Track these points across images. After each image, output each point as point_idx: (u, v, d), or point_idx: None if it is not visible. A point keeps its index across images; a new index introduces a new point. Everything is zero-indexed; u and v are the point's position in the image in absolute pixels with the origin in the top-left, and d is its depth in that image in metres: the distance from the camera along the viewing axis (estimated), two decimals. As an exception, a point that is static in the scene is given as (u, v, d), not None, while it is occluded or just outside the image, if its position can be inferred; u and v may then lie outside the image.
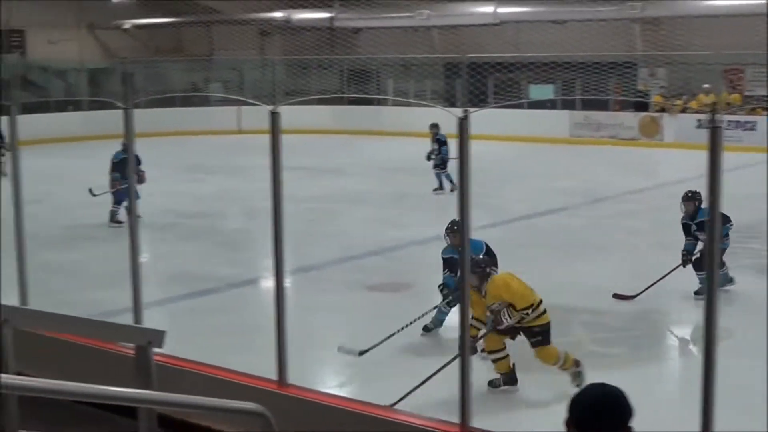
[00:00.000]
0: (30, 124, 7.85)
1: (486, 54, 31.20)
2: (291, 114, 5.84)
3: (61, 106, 31.88)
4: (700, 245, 10.91)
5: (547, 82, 31.81)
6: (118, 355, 6.34)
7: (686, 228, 11.20)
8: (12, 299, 7.01)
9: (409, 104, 31.88)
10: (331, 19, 34.78)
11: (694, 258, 10.90)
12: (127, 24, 35.87)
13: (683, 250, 10.99)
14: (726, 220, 10.11)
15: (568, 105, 30.00)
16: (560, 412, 3.04)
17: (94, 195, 15.57)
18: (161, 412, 4.69)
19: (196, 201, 18.44)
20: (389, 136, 30.11)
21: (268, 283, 9.64)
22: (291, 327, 6.10)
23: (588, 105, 30.05)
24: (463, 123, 5.02)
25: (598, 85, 28.46)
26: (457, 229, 8.19)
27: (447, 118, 5.55)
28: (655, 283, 10.97)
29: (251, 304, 10.99)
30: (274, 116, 5.79)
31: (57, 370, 4.20)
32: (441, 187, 19.10)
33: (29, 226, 7.63)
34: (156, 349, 4.71)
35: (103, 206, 15.42)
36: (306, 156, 21.87)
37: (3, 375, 3.74)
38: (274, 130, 5.83)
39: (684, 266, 10.87)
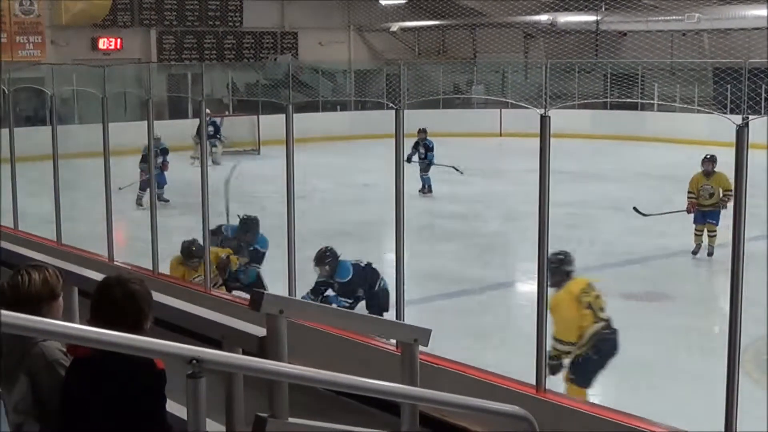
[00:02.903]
0: (300, 122, 8.11)
1: (759, 59, 30.04)
2: (554, 117, 5.80)
3: (330, 106, 32.94)
4: None
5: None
6: (380, 350, 6.51)
7: None
8: (281, 292, 7.31)
9: (681, 110, 31.04)
10: (597, 22, 34.35)
11: None
12: (394, 26, 36.58)
13: None
14: None
15: None
16: None
17: (120, 189, 15.08)
18: (422, 410, 4.77)
19: (456, 202, 18.62)
20: (653, 141, 29.45)
21: (525, 287, 9.64)
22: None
23: None
24: (742, 131, 4.86)
25: None
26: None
27: (718, 126, 5.39)
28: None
29: (506, 307, 11.02)
30: (544, 120, 5.79)
31: (323, 362, 4.34)
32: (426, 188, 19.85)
33: (297, 222, 7.90)
34: (420, 347, 4.80)
35: (369, 203, 15.77)
36: (567, 160, 21.62)
37: (277, 363, 3.93)
38: (544, 133, 5.83)
39: None
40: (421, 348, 4.79)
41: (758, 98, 26.36)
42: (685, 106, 30.64)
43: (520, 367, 6.12)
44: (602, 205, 17.62)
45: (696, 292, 12.32)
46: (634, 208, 14.61)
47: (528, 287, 8.49)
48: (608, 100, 32.52)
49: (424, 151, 20.15)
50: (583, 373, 7.57)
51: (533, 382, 5.96)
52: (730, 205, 11.55)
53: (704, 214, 13.66)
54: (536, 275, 6.13)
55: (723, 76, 31.33)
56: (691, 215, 13.78)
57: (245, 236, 10.78)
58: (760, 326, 9.56)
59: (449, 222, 16.75)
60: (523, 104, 7.39)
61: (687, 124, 28.42)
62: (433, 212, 17.30)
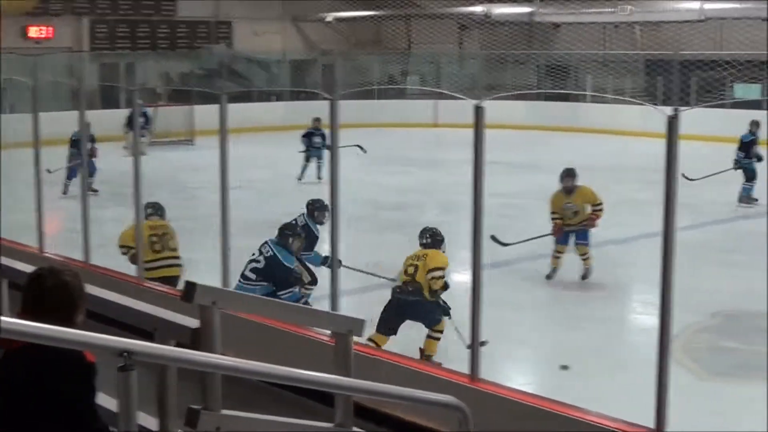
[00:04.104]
0: (235, 112, 8.04)
1: (688, 51, 30.42)
2: (487, 109, 5.82)
3: (264, 97, 32.80)
4: None
5: (754, 81, 30.75)
6: (315, 341, 6.49)
7: None
8: (215, 283, 7.25)
9: (614, 101, 31.35)
10: (531, 14, 34.56)
11: None
12: (330, 17, 36.51)
13: None
14: None
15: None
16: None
17: (50, 172, 14.43)
18: (357, 401, 4.77)
19: (394, 193, 18.65)
20: (586, 132, 29.72)
21: (461, 277, 9.66)
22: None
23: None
24: (672, 122, 4.91)
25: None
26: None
27: (649, 117, 5.44)
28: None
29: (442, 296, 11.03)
30: (478, 110, 5.80)
31: (257, 353, 4.32)
32: (319, 177, 20.02)
33: (232, 212, 7.85)
34: (354, 338, 4.80)
35: (304, 194, 15.74)
36: (501, 151, 21.70)
37: (210, 355, 3.90)
38: (478, 124, 5.84)
39: None
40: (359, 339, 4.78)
41: (688, 89, 26.75)
42: (617, 97, 30.94)
43: (457, 355, 6.13)
44: (537, 196, 17.66)
45: (627, 282, 12.46)
46: (492, 237, 12.07)
47: (464, 276, 8.52)
48: (542, 91, 32.79)
49: (321, 139, 20.39)
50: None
51: (468, 371, 5.98)
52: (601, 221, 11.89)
53: (570, 234, 12.38)
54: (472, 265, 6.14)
55: (654, 67, 31.77)
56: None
57: None
58: (691, 315, 9.71)
59: (386, 212, 16.76)
60: (457, 95, 7.40)
61: (619, 115, 28.70)
62: (370, 202, 17.30)
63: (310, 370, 3.76)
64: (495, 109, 6.46)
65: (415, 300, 9.11)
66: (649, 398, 5.18)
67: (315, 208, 10.90)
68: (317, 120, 20.66)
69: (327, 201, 7.04)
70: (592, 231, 12.22)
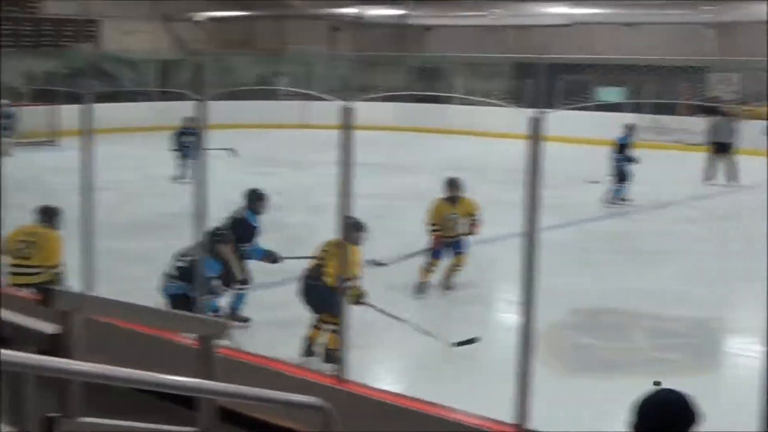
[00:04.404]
0: (101, 112, 7.90)
1: (555, 55, 31.03)
2: (359, 110, 5.84)
3: (132, 97, 32.26)
4: None
5: (617, 84, 31.56)
6: (180, 345, 6.42)
7: None
8: (79, 287, 7.12)
9: (477, 103, 31.77)
10: (403, 16, 34.80)
11: None
12: (200, 16, 36.15)
13: None
14: None
15: (637, 108, 29.70)
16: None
17: None
18: (221, 404, 4.73)
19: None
20: (456, 134, 30.06)
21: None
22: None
23: (657, 109, 29.72)
24: (536, 123, 4.99)
25: (667, 89, 28.20)
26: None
27: (515, 118, 5.53)
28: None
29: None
30: (347, 111, 5.81)
31: (120, 358, 4.24)
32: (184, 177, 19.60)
33: (97, 214, 7.70)
34: (218, 341, 4.77)
35: (172, 196, 15.59)
36: (372, 152, 21.79)
37: (67, 360, 3.82)
38: (347, 125, 5.85)
39: None
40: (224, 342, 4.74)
41: (555, 92, 27.38)
42: (483, 99, 31.40)
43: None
44: (406, 197, 17.84)
45: (494, 281, 12.63)
46: (370, 261, 11.23)
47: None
48: (413, 92, 33.01)
49: (194, 139, 20.19)
50: None
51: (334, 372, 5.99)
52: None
53: (449, 245, 11.89)
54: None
55: (523, 71, 32.34)
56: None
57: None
58: (554, 313, 9.91)
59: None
60: (325, 96, 7.42)
61: (488, 117, 29.09)
62: (236, 204, 17.16)
63: (178, 374, 3.71)
64: (365, 110, 6.49)
65: (324, 288, 9.02)
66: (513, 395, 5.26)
67: (254, 198, 10.68)
68: (190, 119, 20.41)
69: (191, 203, 6.95)
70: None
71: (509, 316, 9.46)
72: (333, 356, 8.94)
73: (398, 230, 14.90)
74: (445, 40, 35.18)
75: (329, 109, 6.18)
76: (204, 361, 4.61)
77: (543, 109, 5.09)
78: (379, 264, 11.70)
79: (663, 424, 2.96)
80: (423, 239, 12.35)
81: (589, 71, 30.94)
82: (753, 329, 9.77)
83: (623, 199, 18.15)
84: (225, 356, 5.26)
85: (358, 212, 6.23)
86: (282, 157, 24.19)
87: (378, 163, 21.45)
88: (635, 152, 18.47)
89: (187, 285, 9.04)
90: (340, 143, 5.92)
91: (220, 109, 8.09)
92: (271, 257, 10.54)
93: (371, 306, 9.21)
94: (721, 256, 13.61)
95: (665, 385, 3.27)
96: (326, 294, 8.92)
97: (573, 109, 25.26)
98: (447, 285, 11.76)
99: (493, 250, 13.47)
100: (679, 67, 28.72)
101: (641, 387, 3.22)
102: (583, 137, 28.05)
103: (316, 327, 9.22)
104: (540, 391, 5.55)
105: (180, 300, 8.93)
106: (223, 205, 13.59)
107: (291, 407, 4.51)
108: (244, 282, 10.22)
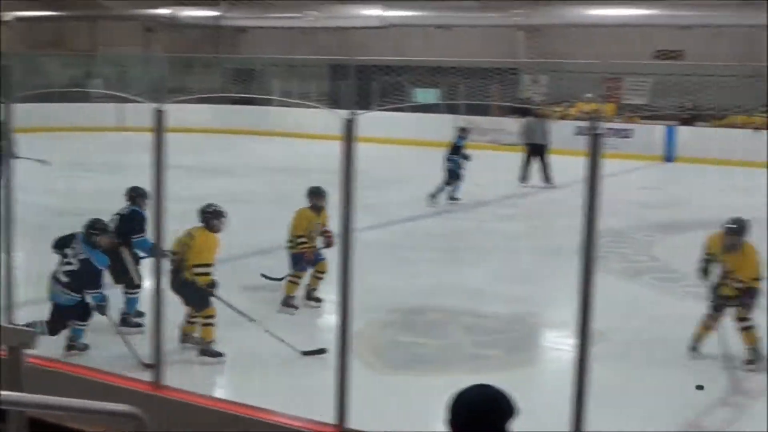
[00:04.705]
0: None
1: (371, 57, 31.29)
2: (174, 112, 5.74)
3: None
4: None
5: (432, 86, 32.05)
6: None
7: None
8: None
9: (293, 105, 31.78)
10: (218, 17, 34.53)
11: None
12: (7, 16, 34.93)
13: None
14: None
15: (452, 109, 30.22)
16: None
17: None
18: (32, 416, 4.57)
19: (73, 199, 18.04)
20: (274, 136, 29.98)
21: (146, 283, 9.50)
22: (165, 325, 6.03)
23: (471, 110, 30.30)
24: (349, 125, 5.01)
25: (481, 90, 28.79)
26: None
27: (332, 120, 5.54)
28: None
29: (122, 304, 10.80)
30: (159, 114, 5.71)
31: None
32: None
33: None
34: (28, 350, 4.61)
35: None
36: (189, 155, 21.62)
37: None
38: (159, 128, 5.75)
39: None
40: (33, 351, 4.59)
41: (371, 94, 27.49)
42: (298, 101, 31.43)
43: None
44: (223, 199, 17.61)
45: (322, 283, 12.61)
46: (263, 275, 11.68)
47: (148, 283, 8.43)
48: (229, 95, 32.77)
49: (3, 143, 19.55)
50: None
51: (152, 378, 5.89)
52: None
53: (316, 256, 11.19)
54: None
55: (339, 72, 32.49)
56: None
57: None
58: (372, 312, 10.00)
59: (66, 218, 16.18)
60: (136, 99, 7.28)
61: (305, 118, 29.12)
62: (51, 209, 16.68)
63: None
64: (180, 112, 6.40)
65: (185, 282, 8.94)
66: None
67: (137, 196, 10.20)
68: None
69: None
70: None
71: (331, 317, 9.50)
72: (208, 350, 8.84)
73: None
74: (260, 41, 35.08)
75: (145, 112, 6.05)
76: (12, 372, 4.45)
77: (356, 111, 5.12)
78: (272, 279, 11.49)
79: (476, 419, 3.00)
80: (241, 238, 12.24)
81: (404, 73, 31.31)
82: (566, 323, 10.09)
83: (455, 198, 18.43)
84: (35, 366, 5.10)
85: (174, 215, 6.10)
86: (97, 161, 23.60)
87: (195, 165, 21.20)
88: (468, 153, 18.78)
89: (77, 296, 8.74)
90: (153, 146, 5.82)
91: (31, 112, 7.86)
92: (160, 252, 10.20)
93: (220, 299, 9.10)
94: (535, 253, 13.97)
95: (483, 380, 3.31)
96: (188, 288, 8.92)
97: (388, 110, 25.51)
98: (314, 297, 11.06)
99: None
100: (492, 69, 29.37)
101: (460, 383, 3.26)
102: (400, 138, 28.40)
103: (189, 321, 9.15)
104: (361, 390, 5.58)
105: (72, 310, 8.71)
106: (37, 211, 13.25)
107: (103, 416, 4.39)
108: (137, 286, 9.90)
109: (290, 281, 10.99)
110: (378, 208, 16.54)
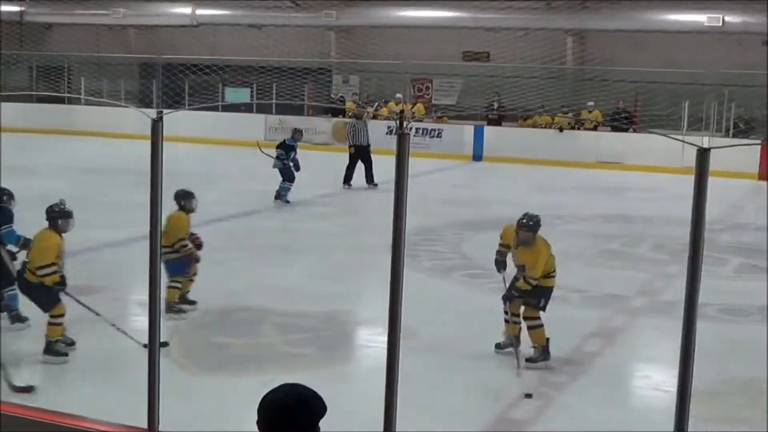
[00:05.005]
0: None
1: (182, 55, 30.96)
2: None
3: None
4: None
5: (244, 85, 31.96)
6: None
7: None
8: None
9: (102, 104, 31.15)
10: (22, 13, 33.56)
11: None
12: None
13: None
14: None
15: (264, 109, 30.19)
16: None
17: None
18: None
19: None
20: (82, 135, 29.31)
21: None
22: None
23: (283, 110, 30.35)
24: (156, 124, 4.96)
25: (293, 89, 28.87)
26: None
27: (141, 119, 5.48)
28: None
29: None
30: (-46, 114, 5.54)
31: None
32: None
33: None
34: None
35: None
36: (-7, 155, 20.90)
37: None
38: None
39: None
40: None
41: (182, 93, 27.16)
42: (102, 100, 30.84)
43: None
44: (30, 200, 17.16)
45: (133, 283, 12.43)
46: None
47: None
48: (35, 93, 31.89)
49: None
50: None
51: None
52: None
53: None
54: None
55: (150, 71, 32.03)
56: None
57: None
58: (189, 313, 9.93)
59: None
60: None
61: (115, 118, 28.59)
62: None
63: None
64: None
65: (29, 284, 8.95)
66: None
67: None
68: None
69: None
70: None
71: (142, 320, 9.38)
72: (52, 350, 8.83)
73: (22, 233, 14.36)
74: (66, 38, 34.23)
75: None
76: None
77: (163, 110, 5.08)
78: None
79: (285, 419, 3.03)
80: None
81: (216, 72, 31.11)
82: (378, 320, 10.26)
83: (288, 201, 18.36)
84: None
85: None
86: None
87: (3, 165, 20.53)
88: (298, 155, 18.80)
89: None
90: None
91: None
92: (26, 244, 9.82)
93: (69, 295, 8.97)
94: (348, 251, 14.11)
95: (297, 379, 3.35)
96: (35, 290, 8.91)
97: (197, 109, 25.29)
98: (190, 301, 10.78)
99: (125, 252, 13.31)
100: (304, 69, 29.48)
101: (274, 383, 3.29)
102: (210, 137, 28.21)
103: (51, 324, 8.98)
104: (173, 393, 5.54)
105: None
106: None
107: None
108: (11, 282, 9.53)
109: (172, 287, 10.50)
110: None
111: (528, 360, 8.96)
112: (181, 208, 10.57)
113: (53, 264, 8.80)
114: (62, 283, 8.86)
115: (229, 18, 31.95)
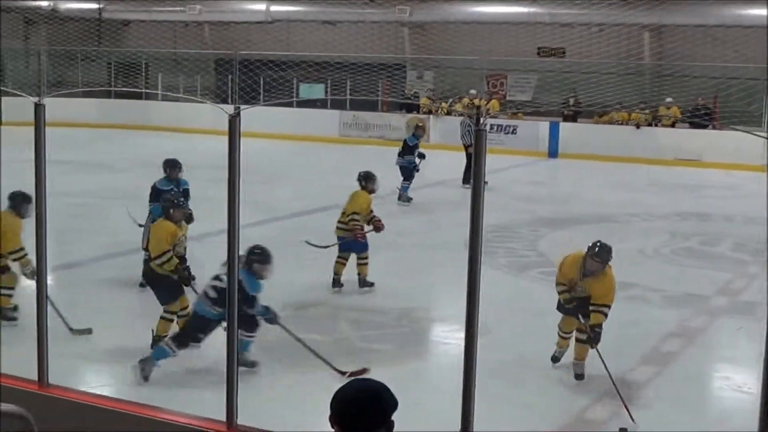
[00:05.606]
0: None
1: (257, 51, 31.16)
2: (56, 106, 5.65)
3: None
4: None
5: (318, 81, 32.05)
6: None
7: None
8: None
9: (179, 100, 31.45)
10: (100, 10, 34.00)
11: None
12: None
13: None
14: None
15: (338, 105, 30.28)
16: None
17: None
18: None
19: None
20: (159, 131, 29.62)
21: (28, 281, 9.31)
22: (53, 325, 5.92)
23: (357, 105, 30.41)
24: (234, 120, 4.98)
25: (367, 85, 28.89)
26: None
27: (217, 115, 5.50)
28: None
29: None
30: (39, 108, 5.59)
31: None
32: None
33: None
34: None
35: None
36: (72, 150, 21.24)
37: None
38: (38, 122, 5.63)
39: None
40: None
41: (258, 89, 27.23)
42: (181, 96, 31.10)
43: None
44: (108, 195, 17.41)
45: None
46: (307, 242, 12.13)
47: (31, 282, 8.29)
48: (113, 88, 32.29)
49: None
50: None
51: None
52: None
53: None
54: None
55: (225, 67, 32.28)
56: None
57: None
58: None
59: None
60: (17, 92, 7.11)
61: (191, 113, 28.85)
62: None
63: None
64: (63, 107, 6.29)
65: (153, 275, 9.17)
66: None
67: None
68: None
69: None
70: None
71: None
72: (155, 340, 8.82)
73: (103, 229, 14.55)
74: (144, 35, 34.61)
75: (25, 106, 5.91)
76: None
77: (240, 106, 5.09)
78: (318, 246, 11.85)
79: (357, 414, 3.02)
80: (124, 236, 12.09)
81: (291, 68, 31.25)
82: (453, 317, 10.21)
83: (409, 198, 18.33)
84: None
85: (60, 211, 5.99)
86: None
87: (80, 160, 20.83)
88: (423, 151, 18.79)
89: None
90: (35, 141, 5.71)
91: None
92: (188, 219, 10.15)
93: (193, 290, 9.09)
94: (423, 248, 14.06)
95: (373, 375, 3.33)
96: (155, 282, 9.14)
97: (273, 105, 25.43)
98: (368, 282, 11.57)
99: (204, 246, 13.39)
100: (378, 65, 29.49)
101: (346, 378, 3.27)
102: (285, 133, 28.34)
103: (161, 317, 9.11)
104: (250, 388, 5.56)
105: None
106: None
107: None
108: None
109: (339, 262, 11.50)
110: (264, 204, 16.48)
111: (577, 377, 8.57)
112: (363, 188, 11.56)
113: (168, 251, 8.95)
114: (184, 270, 9.17)
115: (303, 14, 32.07)
